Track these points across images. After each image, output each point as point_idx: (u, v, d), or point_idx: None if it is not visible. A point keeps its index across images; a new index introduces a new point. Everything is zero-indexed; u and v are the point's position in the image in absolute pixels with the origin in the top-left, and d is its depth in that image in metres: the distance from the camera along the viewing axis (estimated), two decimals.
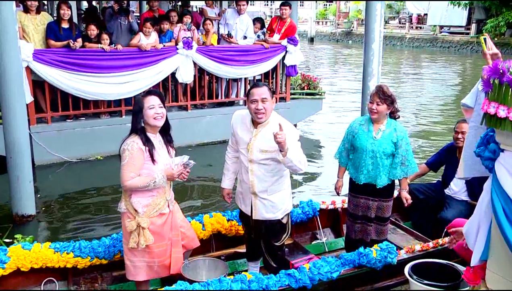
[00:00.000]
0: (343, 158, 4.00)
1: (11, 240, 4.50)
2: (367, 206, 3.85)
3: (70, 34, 6.82)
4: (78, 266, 3.60)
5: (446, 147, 4.63)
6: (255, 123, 3.25)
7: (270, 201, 3.31)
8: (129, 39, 7.55)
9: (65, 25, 6.83)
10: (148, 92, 3.24)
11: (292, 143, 3.05)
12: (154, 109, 3.09)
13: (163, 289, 3.02)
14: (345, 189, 4.09)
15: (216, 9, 9.35)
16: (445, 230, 4.10)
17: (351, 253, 3.60)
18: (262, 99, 3.14)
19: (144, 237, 3.10)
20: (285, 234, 3.48)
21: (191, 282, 3.10)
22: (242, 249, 3.92)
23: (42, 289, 3.57)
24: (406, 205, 3.97)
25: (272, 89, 3.44)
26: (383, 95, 3.64)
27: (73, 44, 6.63)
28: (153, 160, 3.08)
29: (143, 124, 3.13)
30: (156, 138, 3.20)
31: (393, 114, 3.81)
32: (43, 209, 5.65)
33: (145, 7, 8.86)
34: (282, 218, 3.40)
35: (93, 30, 7.15)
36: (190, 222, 3.97)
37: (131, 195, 3.14)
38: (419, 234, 4.34)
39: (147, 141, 3.09)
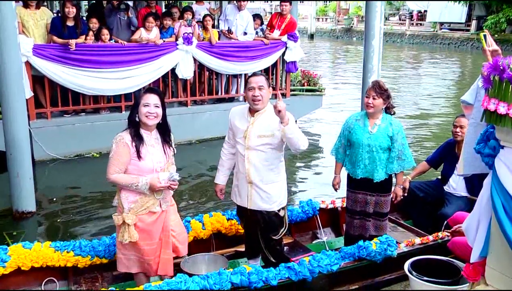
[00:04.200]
0: (339, 154, 4.01)
1: None
2: (365, 201, 3.86)
3: (74, 32, 6.80)
4: (78, 265, 3.59)
5: (445, 143, 4.62)
6: (252, 112, 3.35)
7: (265, 192, 3.36)
8: (128, 35, 7.54)
9: (70, 23, 6.80)
10: (149, 90, 3.25)
11: (291, 122, 3.14)
12: (148, 107, 3.09)
13: (161, 283, 3.01)
14: (342, 186, 4.09)
15: (207, 4, 9.30)
16: (445, 222, 4.11)
17: (351, 246, 3.60)
18: (259, 87, 3.25)
19: (128, 233, 3.10)
20: (283, 227, 3.51)
21: (190, 275, 3.10)
22: (242, 248, 3.92)
23: (42, 289, 3.55)
24: (395, 201, 3.98)
25: (271, 85, 3.49)
26: (379, 90, 3.69)
27: (70, 44, 6.59)
28: (139, 156, 3.07)
29: (137, 119, 3.15)
30: (151, 136, 3.19)
31: (388, 110, 3.84)
32: (43, 205, 5.65)
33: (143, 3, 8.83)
34: (278, 211, 3.44)
35: (95, 24, 7.17)
36: (190, 221, 3.98)
37: (121, 190, 3.16)
38: (420, 230, 4.33)
39: (135, 137, 3.09)
